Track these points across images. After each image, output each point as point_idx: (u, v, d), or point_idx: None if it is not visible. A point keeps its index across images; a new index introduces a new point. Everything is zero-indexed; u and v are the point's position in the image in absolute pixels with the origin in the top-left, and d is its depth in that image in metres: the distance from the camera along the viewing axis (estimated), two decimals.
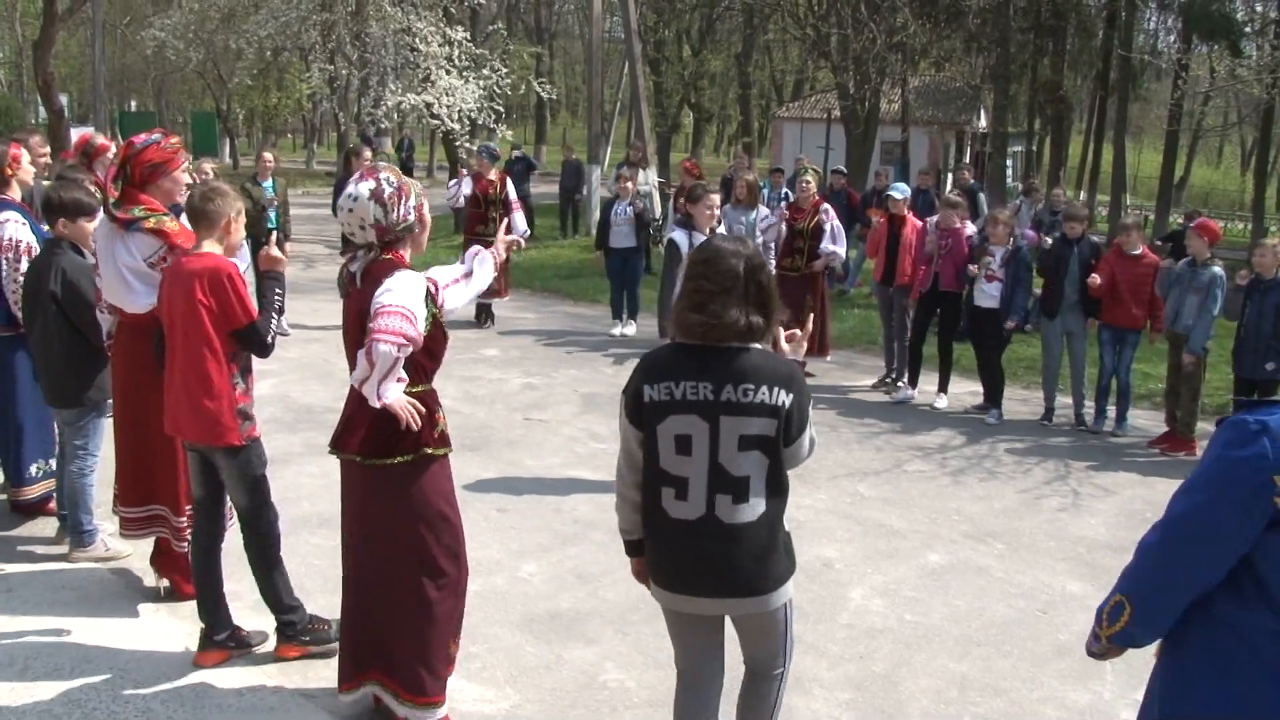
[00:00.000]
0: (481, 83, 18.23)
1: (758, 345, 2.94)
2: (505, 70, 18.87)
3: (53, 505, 5.44)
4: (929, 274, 8.92)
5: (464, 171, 12.73)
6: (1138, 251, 8.23)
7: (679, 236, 6.46)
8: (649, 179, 15.59)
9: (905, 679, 4.38)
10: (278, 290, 4.02)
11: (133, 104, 46.29)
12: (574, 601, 4.93)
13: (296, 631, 4.14)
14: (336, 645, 4.02)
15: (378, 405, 3.36)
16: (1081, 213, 8.85)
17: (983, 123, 33.51)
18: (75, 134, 24.35)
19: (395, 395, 3.38)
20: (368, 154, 10.93)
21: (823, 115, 25.56)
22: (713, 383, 2.85)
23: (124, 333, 4.44)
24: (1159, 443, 8.07)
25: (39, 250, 5.07)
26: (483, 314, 11.46)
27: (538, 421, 7.95)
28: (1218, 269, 7.80)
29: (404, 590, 3.59)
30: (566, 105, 63.22)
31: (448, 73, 17.80)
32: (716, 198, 6.73)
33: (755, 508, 2.90)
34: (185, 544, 4.44)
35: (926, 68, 28.08)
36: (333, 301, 10.87)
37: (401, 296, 3.37)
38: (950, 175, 24.78)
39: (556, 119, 59.20)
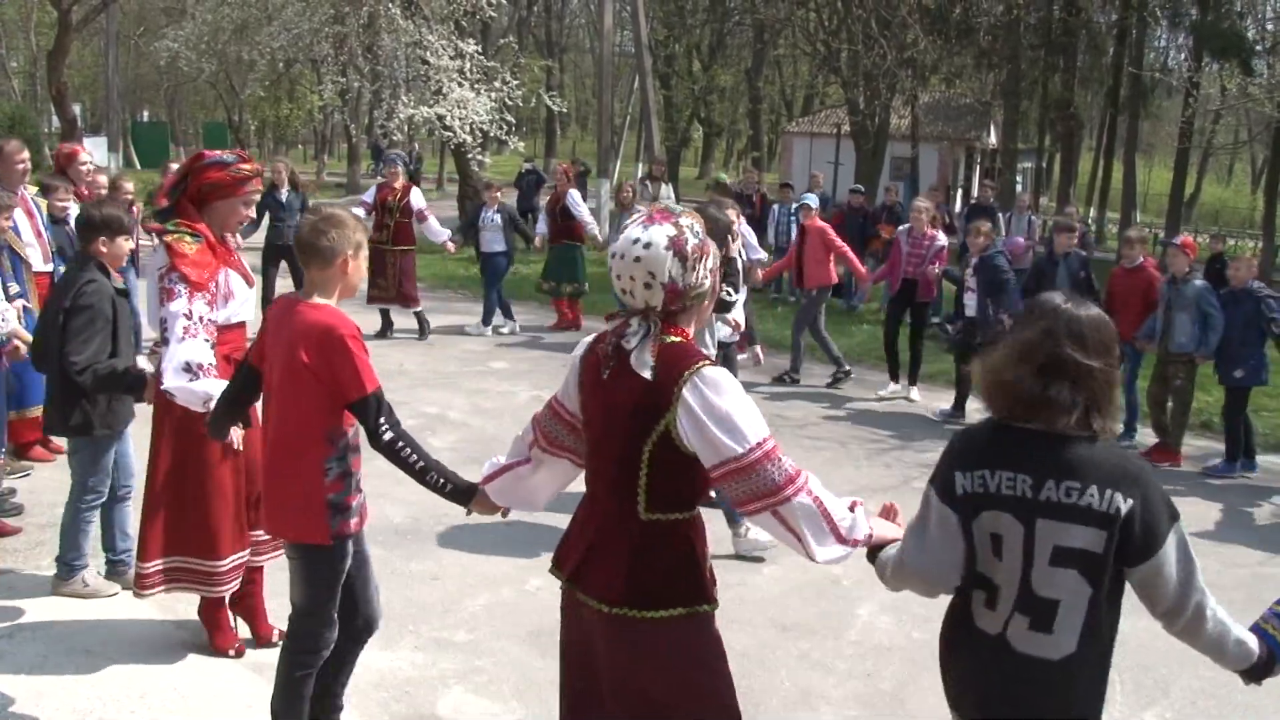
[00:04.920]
0: (493, 95, 18.28)
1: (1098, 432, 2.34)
2: (516, 83, 18.91)
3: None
4: (896, 278, 9.63)
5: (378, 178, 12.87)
6: (1138, 264, 8.38)
7: None
8: (669, 194, 15.69)
9: (913, 696, 4.35)
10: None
11: (145, 114, 46.61)
12: None
13: None
14: None
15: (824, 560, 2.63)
16: (1071, 225, 9.07)
17: (993, 139, 33.53)
18: (89, 144, 24.31)
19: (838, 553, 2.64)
20: (287, 165, 11.08)
21: (832, 131, 25.62)
22: (1032, 475, 2.30)
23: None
24: (1148, 454, 8.09)
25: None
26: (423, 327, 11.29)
27: None
28: (1199, 281, 7.88)
29: None
30: (576, 119, 63.38)
31: (459, 85, 17.85)
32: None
33: (1059, 645, 2.31)
34: (222, 589, 4.14)
35: (937, 84, 28.13)
36: None
37: (754, 412, 2.48)
38: (960, 191, 24.81)
39: (567, 132, 59.36)
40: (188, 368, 3.78)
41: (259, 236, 10.63)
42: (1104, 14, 25.01)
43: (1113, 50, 25.40)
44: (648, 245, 2.49)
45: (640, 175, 19.04)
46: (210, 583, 4.11)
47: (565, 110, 33.59)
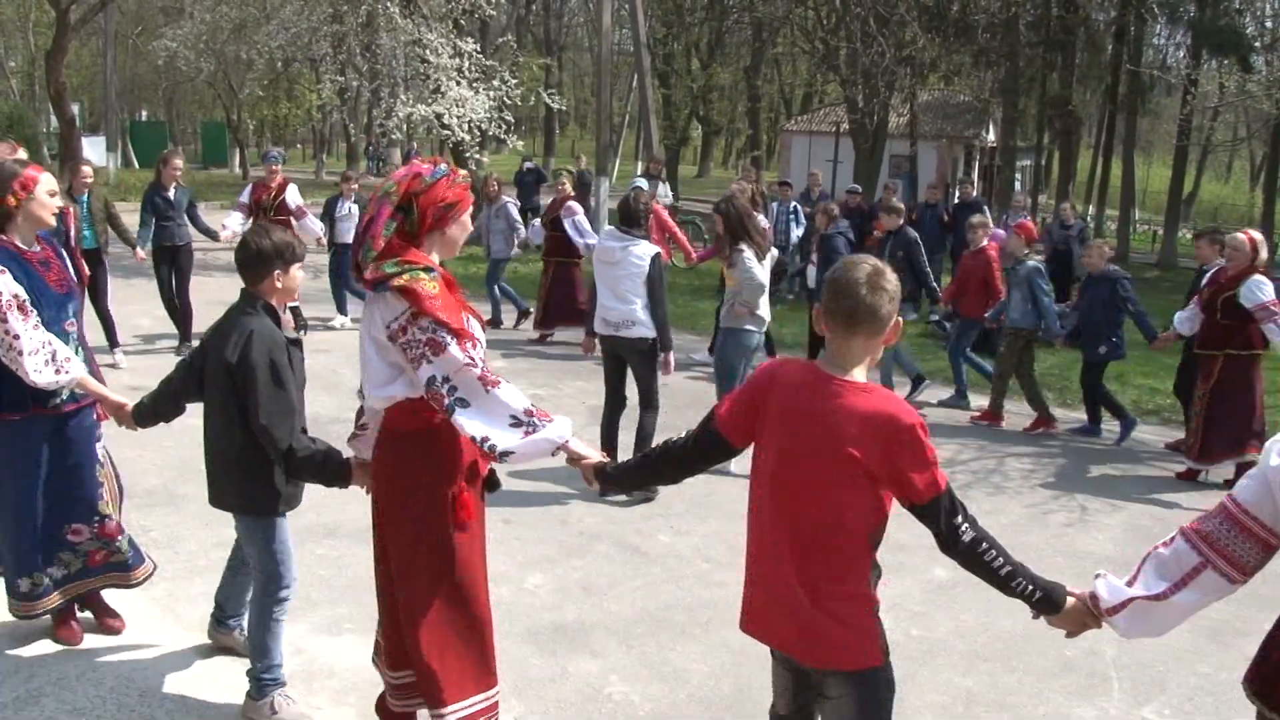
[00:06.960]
0: (491, 94, 18.29)
1: None
2: (515, 82, 18.92)
3: (74, 627, 4.35)
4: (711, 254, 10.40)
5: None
6: (980, 247, 9.25)
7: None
8: (666, 192, 15.71)
9: (911, 694, 4.36)
10: None
11: (143, 114, 46.63)
12: (579, 614, 4.92)
13: None
14: None
15: None
16: (895, 206, 9.63)
17: (991, 137, 33.55)
18: (87, 144, 24.03)
19: None
20: (178, 162, 10.16)
21: (831, 128, 25.63)
22: None
23: (385, 440, 3.25)
24: (1031, 428, 8.65)
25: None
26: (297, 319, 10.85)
27: None
28: (1031, 262, 8.58)
29: None
30: (575, 117, 63.43)
31: (458, 84, 17.86)
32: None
33: None
34: None
35: (935, 82, 28.13)
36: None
37: None
38: (956, 189, 24.80)
39: (565, 131, 59.41)
40: (516, 421, 3.02)
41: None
42: (1102, 11, 25.04)
43: (1111, 47, 25.42)
44: None
45: (638, 173, 19.05)
46: None
47: (564, 109, 33.61)
